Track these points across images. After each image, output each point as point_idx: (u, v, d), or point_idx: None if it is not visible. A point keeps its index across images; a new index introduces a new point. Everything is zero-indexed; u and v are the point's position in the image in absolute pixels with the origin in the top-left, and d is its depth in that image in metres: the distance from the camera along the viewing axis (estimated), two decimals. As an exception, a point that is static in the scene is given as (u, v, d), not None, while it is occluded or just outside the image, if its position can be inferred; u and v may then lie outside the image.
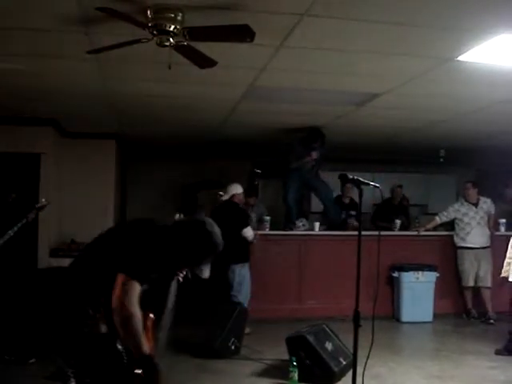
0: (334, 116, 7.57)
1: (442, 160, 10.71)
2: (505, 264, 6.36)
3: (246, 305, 6.94)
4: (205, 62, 4.21)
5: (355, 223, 8.55)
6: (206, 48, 4.04)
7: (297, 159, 8.32)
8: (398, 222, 8.79)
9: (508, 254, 6.35)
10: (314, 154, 8.27)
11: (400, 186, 9.80)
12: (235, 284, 7.06)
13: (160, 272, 3.05)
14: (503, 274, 6.37)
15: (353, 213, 8.81)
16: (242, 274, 7.08)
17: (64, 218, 8.54)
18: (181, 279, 3.41)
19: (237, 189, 7.31)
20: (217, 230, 3.05)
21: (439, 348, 6.90)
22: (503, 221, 8.39)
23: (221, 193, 7.49)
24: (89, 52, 4.22)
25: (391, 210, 9.40)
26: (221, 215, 7.36)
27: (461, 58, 4.75)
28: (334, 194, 8.92)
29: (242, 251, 7.11)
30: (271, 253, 7.73)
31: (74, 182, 8.78)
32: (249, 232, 7.12)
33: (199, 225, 3.03)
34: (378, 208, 9.64)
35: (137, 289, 2.76)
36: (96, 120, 8.12)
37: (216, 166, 11.98)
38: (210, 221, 3.09)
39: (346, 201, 9.19)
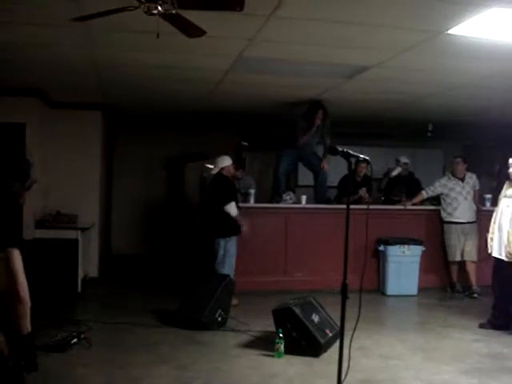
0: (323, 89, 7.53)
1: (429, 134, 10.73)
2: (488, 240, 6.42)
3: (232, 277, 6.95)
4: (193, 31, 4.14)
5: (369, 198, 8.60)
6: (194, 17, 3.97)
7: (304, 134, 8.26)
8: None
9: (490, 230, 6.41)
10: (318, 120, 8.21)
11: (398, 160, 9.74)
12: (219, 256, 7.08)
13: None
14: (489, 250, 6.42)
15: (364, 189, 8.76)
16: (226, 247, 7.08)
17: (50, 189, 8.47)
18: None
19: (225, 161, 7.26)
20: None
21: (424, 321, 6.98)
22: (489, 196, 8.43)
23: (208, 165, 7.45)
24: (75, 19, 4.13)
25: (400, 184, 9.42)
26: (210, 189, 7.37)
27: (451, 31, 4.72)
28: (342, 174, 8.79)
29: (226, 225, 7.09)
30: (257, 225, 7.72)
31: (59, 152, 8.70)
32: (231, 209, 7.05)
33: None
34: (389, 181, 9.66)
35: None
36: (82, 90, 8.02)
37: (203, 139, 11.94)
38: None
39: (359, 179, 9.16)
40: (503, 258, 6.09)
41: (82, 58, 6.04)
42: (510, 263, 6.02)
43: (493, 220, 6.40)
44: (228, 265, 7.08)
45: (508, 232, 6.05)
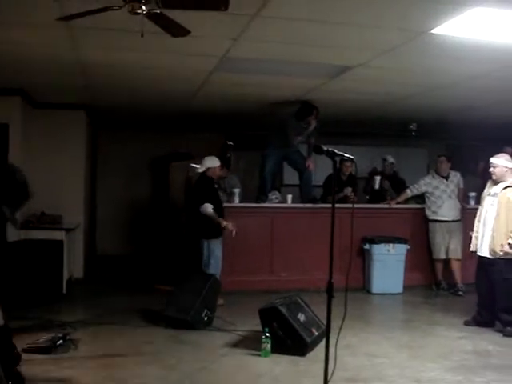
0: (307, 88, 7.54)
1: (413, 134, 10.79)
2: (473, 238, 6.47)
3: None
4: (178, 30, 4.13)
5: (354, 198, 8.56)
6: (179, 16, 3.96)
7: (298, 134, 8.25)
8: (378, 178, 8.96)
9: (475, 228, 6.46)
10: (313, 122, 8.22)
11: (385, 159, 9.78)
12: (204, 258, 7.07)
13: None
14: (472, 249, 6.49)
15: (349, 189, 8.76)
16: (210, 248, 7.06)
17: (33, 189, 8.39)
18: None
19: (212, 162, 7.24)
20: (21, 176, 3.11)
21: (409, 319, 7.01)
22: (473, 194, 8.49)
23: (193, 165, 7.42)
24: (59, 19, 4.11)
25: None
26: (194, 189, 7.35)
27: (435, 31, 4.74)
28: (327, 173, 8.78)
29: (210, 226, 7.07)
30: (243, 225, 7.71)
31: (43, 153, 8.66)
32: (206, 209, 6.96)
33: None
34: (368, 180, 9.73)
35: None
36: (66, 90, 7.97)
37: (188, 139, 11.91)
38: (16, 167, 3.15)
39: (344, 178, 9.19)
40: (487, 255, 6.15)
41: (66, 58, 6.01)
42: (494, 261, 6.08)
43: (477, 218, 6.46)
44: (213, 266, 7.05)
45: (492, 230, 6.11)
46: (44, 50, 5.70)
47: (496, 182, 6.26)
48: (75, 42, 5.37)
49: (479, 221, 6.38)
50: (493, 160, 6.26)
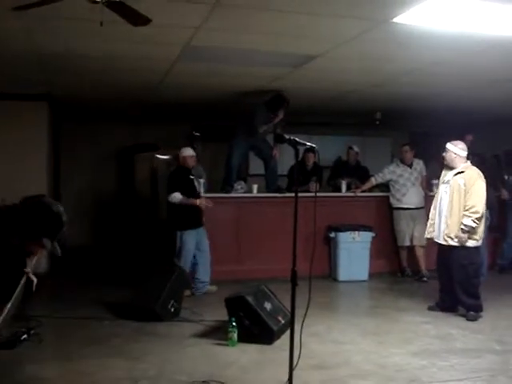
0: (271, 78, 7.53)
1: (377, 123, 10.87)
2: (428, 225, 6.58)
3: (187, 270, 6.97)
4: (138, 19, 4.07)
5: (317, 187, 8.63)
6: (139, 5, 3.91)
7: (264, 123, 8.24)
8: (344, 182, 8.92)
9: (430, 215, 6.57)
10: (281, 114, 8.24)
11: (351, 148, 9.85)
12: (176, 249, 7.11)
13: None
14: (427, 235, 6.61)
15: (314, 178, 8.81)
16: (183, 239, 7.08)
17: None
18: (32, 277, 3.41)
19: (182, 151, 7.37)
20: (56, 207, 3.11)
21: (375, 305, 7.10)
22: (436, 181, 8.53)
23: (159, 155, 7.43)
24: (15, 9, 4.02)
25: (347, 171, 9.52)
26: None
27: (396, 19, 4.77)
28: (291, 163, 8.80)
29: (183, 217, 7.08)
30: (209, 215, 7.68)
31: (3, 145, 8.48)
32: (174, 198, 7.06)
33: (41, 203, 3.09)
34: (333, 169, 9.81)
35: None
36: (27, 81, 7.82)
37: (154, 129, 11.84)
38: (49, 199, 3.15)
39: (309, 168, 9.24)
40: (443, 242, 6.26)
41: (25, 48, 5.87)
42: (449, 247, 6.18)
43: (432, 206, 6.58)
44: (183, 258, 7.08)
45: (446, 216, 6.21)
46: (2, 40, 5.56)
47: (449, 169, 6.37)
48: (33, 32, 5.25)
49: (435, 208, 6.50)
50: (447, 145, 6.38)
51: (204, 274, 7.33)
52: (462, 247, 6.10)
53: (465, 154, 6.32)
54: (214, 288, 7.34)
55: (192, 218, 7.16)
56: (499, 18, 4.70)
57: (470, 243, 6.10)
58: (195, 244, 7.19)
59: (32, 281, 3.43)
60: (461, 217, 6.06)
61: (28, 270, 3.36)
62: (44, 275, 8.67)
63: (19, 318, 5.47)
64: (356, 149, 9.74)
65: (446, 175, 6.39)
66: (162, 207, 11.23)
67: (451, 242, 6.16)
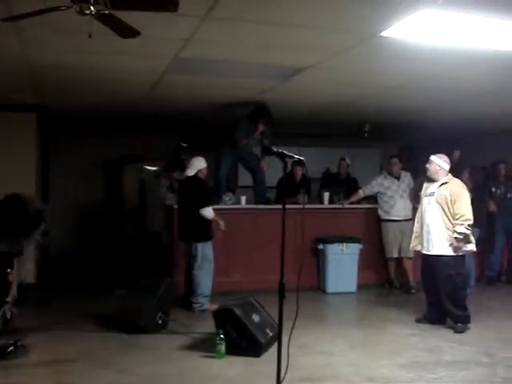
0: (260, 90, 7.55)
1: (366, 135, 10.91)
2: (412, 238, 6.61)
3: (210, 282, 7.04)
4: (127, 31, 4.08)
5: (305, 199, 8.67)
6: (128, 17, 3.92)
7: (245, 136, 8.25)
8: (326, 194, 8.92)
9: (414, 229, 6.61)
10: (261, 127, 8.25)
11: (343, 159, 9.93)
12: (198, 261, 7.03)
13: None
14: (411, 249, 6.66)
15: (302, 190, 8.83)
16: (204, 251, 7.06)
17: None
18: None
19: (201, 163, 7.25)
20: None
21: (363, 317, 7.11)
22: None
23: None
24: (4, 20, 4.02)
25: (337, 183, 9.60)
26: (186, 192, 7.29)
27: (384, 33, 4.81)
28: (280, 174, 8.78)
29: (206, 229, 7.10)
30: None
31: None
32: (207, 212, 7.03)
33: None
34: (323, 180, 9.83)
35: None
36: (15, 92, 7.79)
37: (141, 141, 11.83)
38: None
39: (297, 180, 9.26)
40: (430, 253, 6.30)
41: (14, 59, 5.87)
42: (437, 258, 6.20)
43: (416, 219, 6.62)
44: (207, 269, 7.08)
45: (433, 227, 6.26)
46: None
47: (431, 181, 6.42)
48: (22, 43, 5.24)
49: (418, 222, 6.54)
50: (432, 157, 6.44)
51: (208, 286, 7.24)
52: (449, 257, 6.12)
53: (448, 167, 6.39)
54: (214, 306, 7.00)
55: (210, 229, 7.18)
56: (485, 31, 4.75)
57: (469, 247, 6.16)
58: None
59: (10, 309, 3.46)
60: (450, 227, 6.09)
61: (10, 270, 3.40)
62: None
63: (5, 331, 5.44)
64: (348, 161, 9.83)
65: (429, 188, 6.44)
66: (150, 218, 11.26)
67: (438, 252, 6.18)
